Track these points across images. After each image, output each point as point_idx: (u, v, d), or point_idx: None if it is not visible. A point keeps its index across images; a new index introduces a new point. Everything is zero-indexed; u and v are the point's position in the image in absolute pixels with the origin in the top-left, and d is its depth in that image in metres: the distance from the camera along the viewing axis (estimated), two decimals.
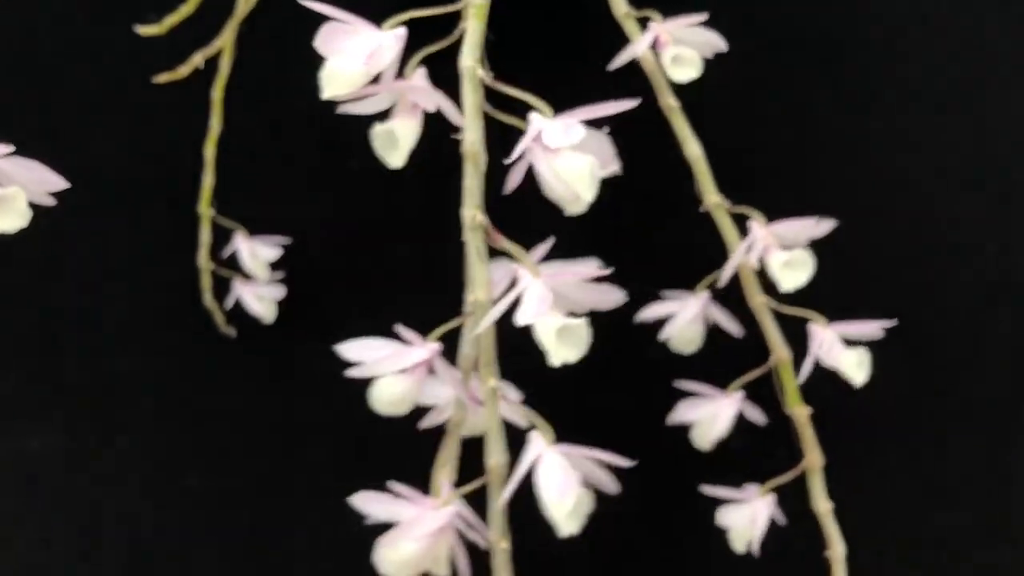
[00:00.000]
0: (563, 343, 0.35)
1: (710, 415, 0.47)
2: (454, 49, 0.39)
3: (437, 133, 0.40)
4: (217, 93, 0.53)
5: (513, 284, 0.37)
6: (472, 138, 0.37)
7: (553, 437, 0.36)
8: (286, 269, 0.56)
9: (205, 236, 0.55)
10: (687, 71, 0.42)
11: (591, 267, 0.36)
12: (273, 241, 0.55)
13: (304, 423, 0.58)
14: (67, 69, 0.55)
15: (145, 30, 0.52)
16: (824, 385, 0.45)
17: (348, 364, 0.40)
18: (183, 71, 0.51)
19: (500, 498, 0.36)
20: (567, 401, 0.44)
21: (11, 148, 0.38)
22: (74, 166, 0.56)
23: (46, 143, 0.47)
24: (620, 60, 0.43)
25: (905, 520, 0.57)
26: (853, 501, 0.46)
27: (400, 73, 0.39)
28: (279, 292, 0.56)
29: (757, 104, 0.55)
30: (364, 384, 0.55)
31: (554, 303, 0.35)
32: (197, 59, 0.52)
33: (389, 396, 0.39)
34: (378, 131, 0.39)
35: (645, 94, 0.40)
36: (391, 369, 0.38)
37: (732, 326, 0.48)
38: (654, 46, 0.43)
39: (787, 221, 0.44)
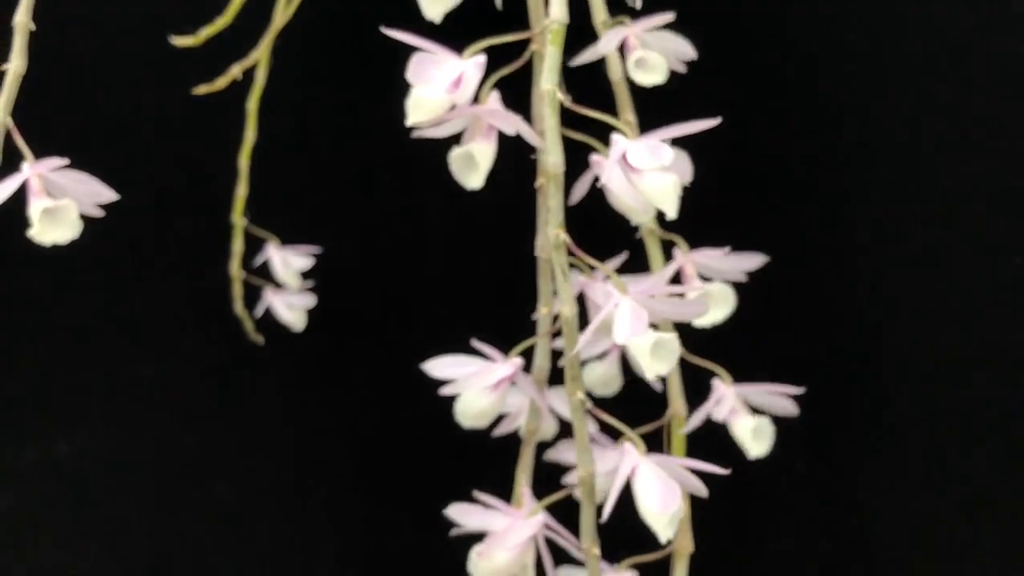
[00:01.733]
0: (657, 358, 0.36)
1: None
2: (520, 71, 0.40)
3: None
4: (252, 104, 0.53)
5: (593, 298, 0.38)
6: (554, 160, 0.37)
7: (645, 447, 0.37)
8: (317, 279, 0.56)
9: (238, 245, 0.54)
10: (652, 76, 0.41)
11: (680, 286, 0.37)
12: (305, 251, 0.55)
13: (333, 431, 0.58)
14: (104, 80, 0.54)
15: (180, 41, 0.51)
16: None
17: (416, 376, 0.40)
18: (221, 83, 0.51)
19: (591, 507, 0.37)
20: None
21: (64, 162, 0.38)
22: (111, 175, 0.56)
23: (83, 153, 0.47)
24: (584, 58, 0.42)
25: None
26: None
27: (475, 97, 0.40)
28: (309, 301, 0.56)
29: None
30: (393, 394, 0.56)
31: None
32: (235, 71, 0.51)
33: (474, 410, 0.40)
34: (456, 154, 0.39)
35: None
36: (480, 386, 0.39)
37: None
38: (622, 49, 0.42)
39: (711, 252, 0.42)
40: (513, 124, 0.38)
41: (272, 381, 0.58)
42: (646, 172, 0.36)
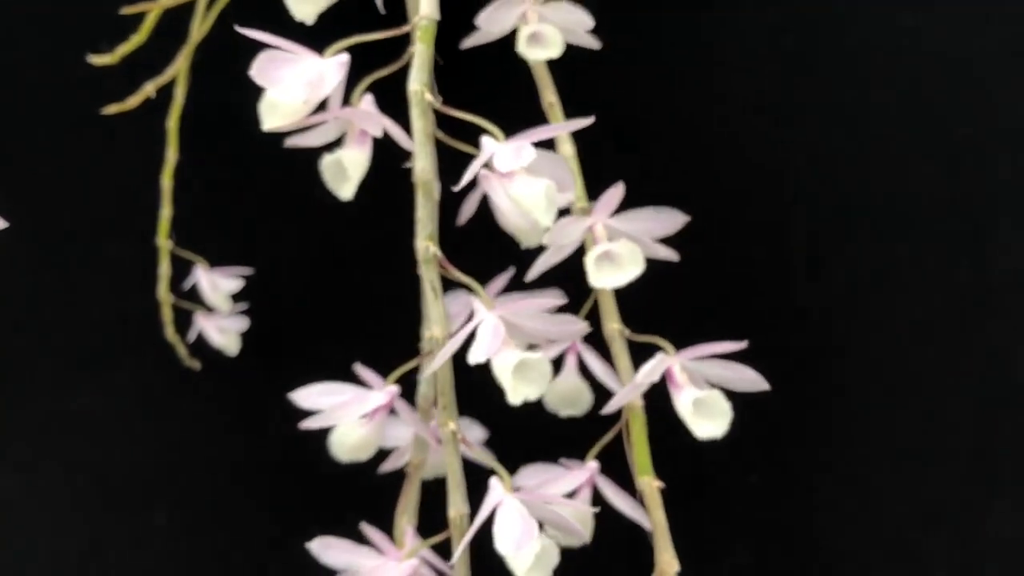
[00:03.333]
0: (522, 380, 0.32)
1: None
2: (405, 76, 0.36)
3: (399, 161, 0.37)
4: (172, 122, 0.50)
5: (469, 318, 0.34)
6: (422, 165, 0.34)
7: (511, 484, 0.32)
8: (249, 301, 0.53)
9: (164, 269, 0.51)
10: (547, 50, 0.36)
11: (549, 298, 0.32)
12: (234, 272, 0.52)
13: (273, 459, 0.55)
14: (20, 98, 0.52)
15: (98, 59, 0.49)
16: None
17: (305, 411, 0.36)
18: (133, 101, 0.48)
19: (461, 552, 0.33)
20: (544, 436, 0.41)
21: None
22: (31, 200, 0.54)
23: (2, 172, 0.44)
24: (473, 40, 0.38)
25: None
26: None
27: (347, 101, 0.36)
28: (242, 324, 0.53)
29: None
30: None
31: (511, 337, 0.32)
32: (148, 88, 0.48)
33: (350, 443, 0.36)
34: (327, 162, 0.36)
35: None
36: (349, 417, 0.35)
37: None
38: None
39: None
40: (378, 125, 0.34)
41: (209, 406, 0.55)
42: (516, 177, 0.32)
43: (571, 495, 0.36)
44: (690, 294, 0.48)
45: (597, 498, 0.36)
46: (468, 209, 0.38)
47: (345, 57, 0.34)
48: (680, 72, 0.52)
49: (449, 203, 0.38)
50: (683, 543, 0.38)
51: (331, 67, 0.34)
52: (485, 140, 0.33)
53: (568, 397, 0.40)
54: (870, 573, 0.52)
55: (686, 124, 0.51)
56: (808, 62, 0.53)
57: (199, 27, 0.49)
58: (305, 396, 0.37)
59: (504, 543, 0.30)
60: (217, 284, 0.52)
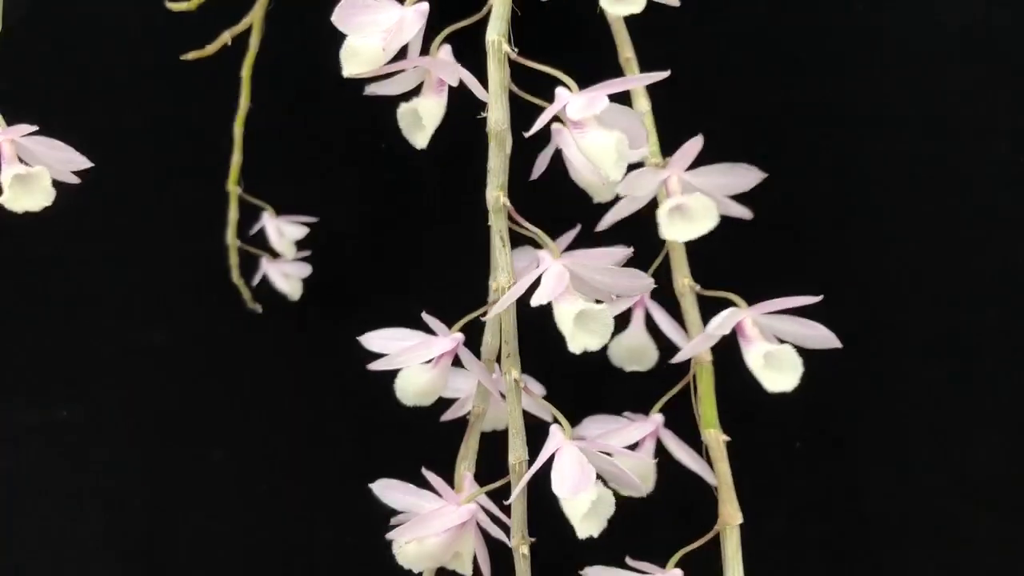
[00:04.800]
0: (583, 329, 0.31)
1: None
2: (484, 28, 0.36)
3: (472, 115, 0.37)
4: (246, 71, 0.50)
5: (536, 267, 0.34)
6: (497, 116, 0.34)
7: (571, 432, 0.32)
8: (313, 248, 0.53)
9: (233, 214, 0.52)
10: (628, 6, 0.34)
11: (616, 251, 0.32)
12: (299, 220, 0.53)
13: (331, 401, 0.55)
14: (98, 46, 0.53)
15: (176, 6, 0.49)
16: None
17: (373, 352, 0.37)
18: (211, 49, 0.48)
19: (518, 493, 0.33)
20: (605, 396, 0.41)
21: (34, 128, 0.36)
22: (106, 142, 0.54)
23: (77, 119, 0.45)
24: None
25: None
26: None
27: (425, 51, 0.36)
28: (305, 270, 0.53)
29: None
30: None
31: (576, 287, 0.32)
32: (224, 37, 0.48)
33: (414, 388, 0.36)
34: (403, 110, 0.36)
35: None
36: (414, 361, 0.35)
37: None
38: None
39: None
40: (455, 74, 0.34)
41: (270, 349, 0.55)
42: (587, 129, 0.32)
43: (634, 447, 0.36)
44: (761, 252, 0.47)
45: (660, 451, 0.36)
46: (541, 163, 0.37)
47: (424, 6, 0.34)
48: (755, 35, 0.51)
49: (522, 160, 0.38)
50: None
51: (411, 15, 0.34)
52: (559, 90, 0.33)
53: (634, 352, 0.40)
54: (911, 545, 0.52)
55: (762, 85, 0.50)
56: (882, 34, 0.52)
57: None
58: (373, 339, 0.37)
59: (561, 487, 0.30)
60: (283, 230, 0.52)
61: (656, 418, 0.37)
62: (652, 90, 0.37)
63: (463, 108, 0.36)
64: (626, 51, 0.38)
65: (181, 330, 0.55)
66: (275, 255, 0.53)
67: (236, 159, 0.51)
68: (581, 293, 0.33)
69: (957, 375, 0.52)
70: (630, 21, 0.37)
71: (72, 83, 0.53)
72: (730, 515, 0.33)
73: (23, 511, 0.54)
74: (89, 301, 0.54)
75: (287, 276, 0.53)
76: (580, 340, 0.31)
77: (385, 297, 0.54)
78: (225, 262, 0.53)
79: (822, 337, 0.34)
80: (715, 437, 0.34)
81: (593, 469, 0.31)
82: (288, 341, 0.55)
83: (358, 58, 0.34)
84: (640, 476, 0.37)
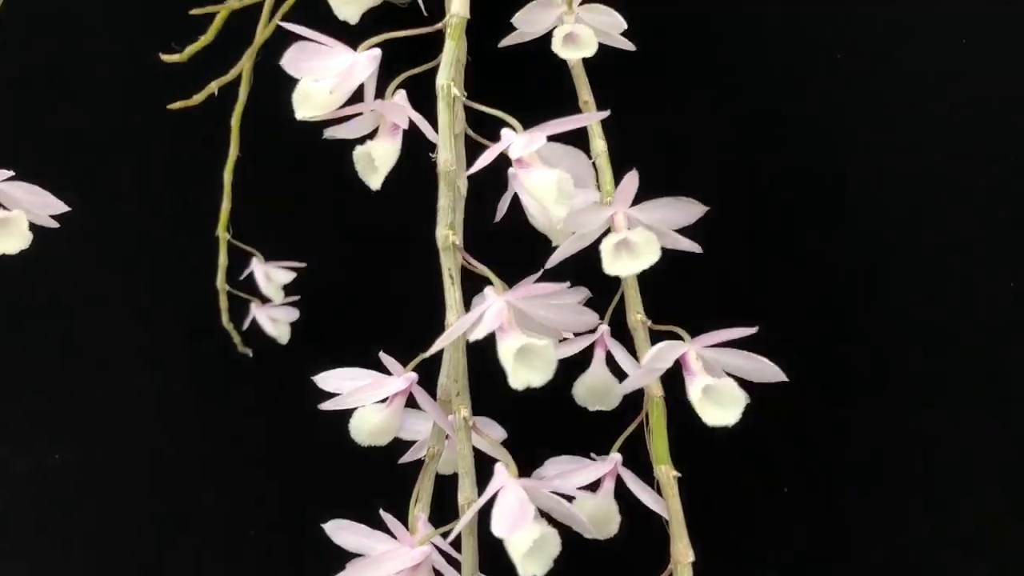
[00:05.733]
0: (525, 365, 0.31)
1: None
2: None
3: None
4: (235, 121, 0.51)
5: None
6: (445, 156, 0.34)
7: (516, 471, 0.32)
8: (302, 292, 0.54)
9: (222, 259, 0.53)
10: (581, 50, 0.36)
11: (556, 285, 0.32)
12: (287, 265, 0.53)
13: (319, 445, 0.55)
14: (92, 96, 0.54)
15: (168, 58, 0.50)
16: None
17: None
18: (197, 98, 0.50)
19: (471, 539, 0.32)
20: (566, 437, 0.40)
21: (10, 173, 0.37)
22: (97, 190, 0.56)
23: (71, 166, 0.46)
24: (510, 40, 0.38)
25: None
26: None
27: (382, 96, 0.36)
28: (293, 315, 0.54)
29: None
30: None
31: (522, 324, 0.32)
32: (212, 86, 0.50)
33: (368, 427, 0.36)
34: (359, 153, 0.36)
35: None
36: (366, 401, 0.35)
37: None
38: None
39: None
40: (404, 117, 0.35)
41: (260, 392, 0.56)
42: (531, 168, 0.32)
43: (594, 486, 0.36)
44: (723, 288, 0.47)
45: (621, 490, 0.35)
46: (502, 207, 0.37)
47: (376, 52, 0.35)
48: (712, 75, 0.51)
49: (487, 207, 0.38)
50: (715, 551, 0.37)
51: (362, 60, 0.34)
52: (504, 131, 0.33)
53: (596, 392, 0.39)
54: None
55: (718, 124, 0.51)
56: (829, 66, 0.52)
57: (263, 30, 0.50)
58: (327, 379, 0.37)
59: (499, 526, 0.30)
60: (271, 275, 0.53)
61: (615, 457, 0.36)
62: (615, 131, 0.37)
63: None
64: (584, 94, 0.38)
65: (171, 374, 0.56)
66: (264, 300, 0.54)
67: (225, 206, 0.52)
68: (529, 330, 0.32)
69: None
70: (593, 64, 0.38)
71: (65, 131, 0.54)
72: (681, 553, 0.32)
73: (15, 555, 0.55)
74: (79, 346, 0.55)
75: (275, 320, 0.54)
76: (522, 376, 0.31)
77: (373, 342, 0.55)
78: (215, 308, 0.53)
79: (768, 371, 0.33)
80: (666, 473, 0.33)
81: (533, 507, 0.30)
82: (276, 385, 0.55)
83: (310, 102, 0.34)
84: (601, 518, 0.36)
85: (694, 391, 0.32)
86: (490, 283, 0.34)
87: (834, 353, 0.52)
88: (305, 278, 0.53)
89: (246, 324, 0.54)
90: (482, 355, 0.35)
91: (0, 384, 0.55)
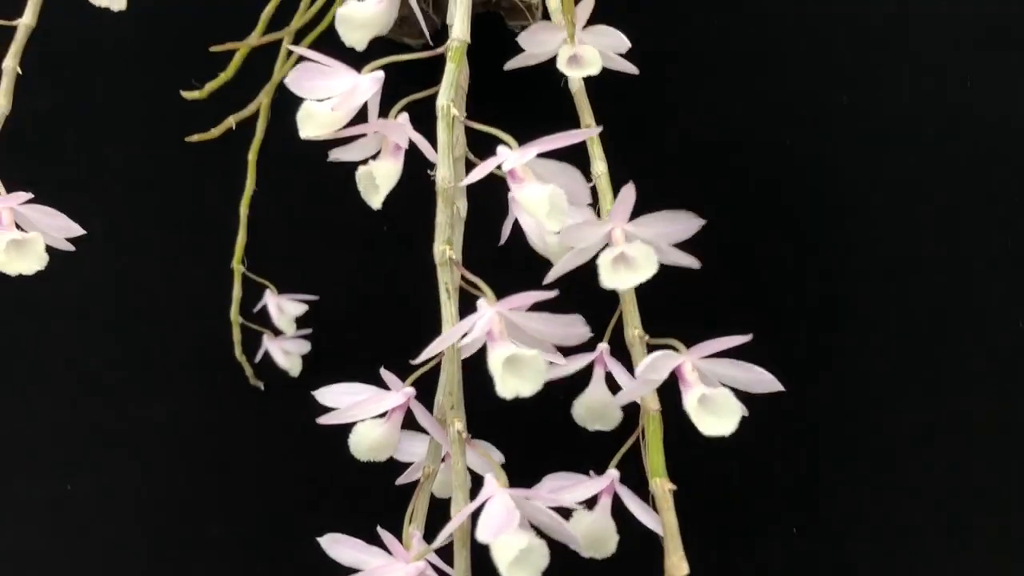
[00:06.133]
0: (514, 374, 0.31)
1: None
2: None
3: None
4: (252, 155, 0.53)
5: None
6: (443, 174, 0.34)
7: (506, 481, 0.32)
8: (313, 326, 0.54)
9: (237, 291, 0.54)
10: (586, 69, 0.37)
11: (545, 293, 0.32)
12: (300, 298, 0.54)
13: (329, 479, 0.55)
14: (114, 131, 0.56)
15: (189, 95, 0.52)
16: None
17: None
18: (215, 132, 0.51)
19: (465, 554, 0.32)
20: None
21: (30, 195, 0.38)
22: (114, 221, 0.57)
23: (92, 198, 0.47)
24: (515, 63, 0.38)
25: None
26: None
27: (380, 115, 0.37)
28: (304, 347, 0.54)
29: None
30: None
31: (513, 336, 0.32)
32: (229, 120, 0.51)
33: (367, 442, 0.36)
34: (361, 173, 0.37)
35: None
36: (364, 415, 0.35)
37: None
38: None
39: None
40: (404, 136, 0.35)
41: (271, 425, 0.56)
42: (525, 183, 0.33)
43: (591, 503, 0.35)
44: (726, 304, 0.47)
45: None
46: (506, 231, 0.38)
47: (379, 74, 0.36)
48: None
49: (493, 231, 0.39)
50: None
51: (365, 81, 0.35)
52: (499, 148, 0.34)
53: (596, 411, 0.39)
54: None
55: (721, 143, 0.51)
56: (813, 65, 0.52)
57: (281, 67, 0.52)
58: (327, 394, 0.37)
59: (483, 530, 0.30)
60: (283, 307, 0.54)
61: (612, 473, 0.36)
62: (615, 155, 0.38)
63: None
64: (586, 117, 0.39)
65: (184, 405, 0.56)
66: (277, 332, 0.54)
67: (241, 238, 0.53)
68: (522, 341, 0.33)
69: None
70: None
71: (88, 163, 0.56)
72: (675, 566, 0.31)
73: None
74: (93, 375, 0.56)
75: (287, 353, 0.54)
76: (511, 384, 0.31)
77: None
78: (228, 339, 0.54)
79: (765, 381, 0.33)
80: (661, 486, 0.32)
81: (518, 513, 0.30)
82: (288, 417, 0.56)
83: (313, 121, 0.35)
84: (598, 536, 0.36)
85: (690, 401, 0.32)
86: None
87: (833, 366, 0.51)
88: (317, 309, 0.54)
89: (258, 356, 0.55)
90: (485, 380, 0.35)
91: (13, 413, 0.56)
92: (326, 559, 0.54)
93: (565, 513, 0.34)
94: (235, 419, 0.56)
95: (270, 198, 0.53)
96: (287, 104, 0.52)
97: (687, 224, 0.34)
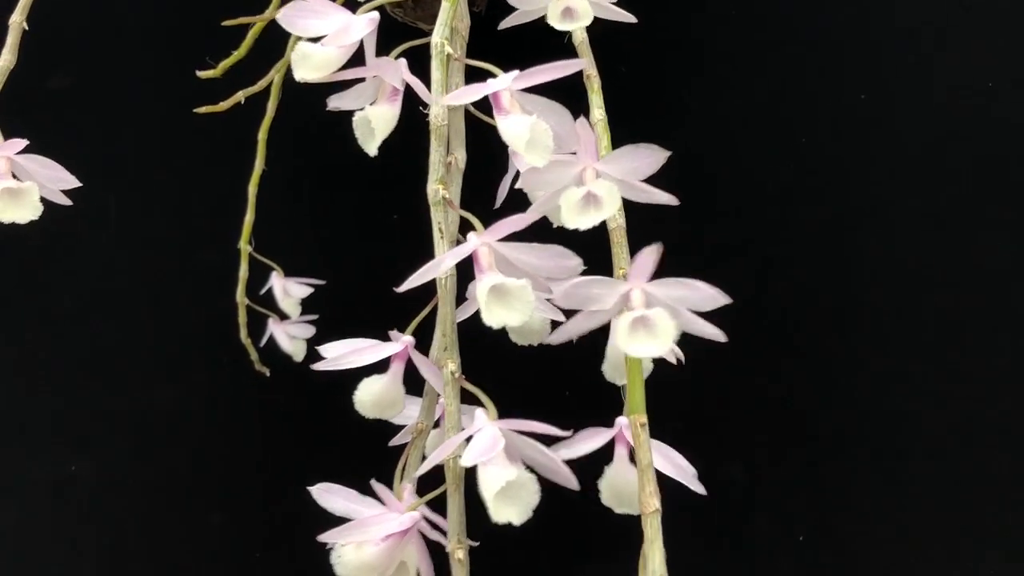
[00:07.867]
0: (501, 304, 0.30)
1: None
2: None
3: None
4: (262, 135, 0.52)
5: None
6: (437, 111, 0.34)
7: (496, 414, 0.31)
8: (320, 311, 0.54)
9: (243, 271, 0.53)
10: (578, 22, 0.35)
11: (529, 216, 0.31)
12: (305, 281, 0.54)
13: (332, 466, 0.54)
14: (125, 109, 0.56)
15: (204, 73, 0.52)
16: None
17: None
18: (224, 105, 0.51)
19: (458, 499, 0.31)
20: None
21: (26, 143, 0.38)
22: (121, 202, 0.57)
23: (102, 176, 0.47)
24: (511, 20, 0.37)
25: None
26: None
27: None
28: (309, 331, 0.54)
29: None
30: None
31: (503, 269, 0.31)
32: (239, 96, 0.51)
33: (371, 398, 0.35)
34: (358, 119, 0.36)
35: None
36: (360, 362, 0.35)
37: None
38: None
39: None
40: (398, 75, 0.35)
41: (275, 410, 0.55)
42: (510, 114, 0.32)
43: (608, 456, 0.34)
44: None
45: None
46: (503, 191, 0.37)
47: (374, 15, 0.35)
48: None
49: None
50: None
51: (359, 21, 0.35)
52: (488, 80, 0.33)
53: (621, 492, 0.34)
54: None
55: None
56: (802, 71, 0.51)
57: (293, 45, 0.52)
58: (330, 348, 0.36)
59: (468, 455, 0.28)
60: (289, 290, 0.53)
61: (620, 421, 0.34)
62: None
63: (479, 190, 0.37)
64: (589, 69, 0.38)
65: (188, 388, 0.56)
66: (283, 316, 0.54)
67: (249, 218, 0.53)
68: (512, 275, 0.32)
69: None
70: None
71: (101, 141, 0.56)
72: (646, 502, 0.30)
73: (28, 563, 0.54)
74: (98, 358, 0.56)
75: (292, 337, 0.53)
76: (497, 314, 0.30)
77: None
78: (233, 322, 0.54)
79: (707, 296, 0.31)
80: (635, 421, 0.31)
81: (503, 440, 0.29)
82: (292, 402, 0.55)
83: (308, 62, 0.35)
84: (622, 489, 0.33)
85: (621, 324, 0.30)
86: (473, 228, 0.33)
87: (833, 368, 0.50)
88: (323, 293, 0.54)
89: (263, 340, 0.54)
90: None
91: (18, 394, 0.56)
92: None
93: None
94: (239, 403, 0.55)
95: (278, 178, 0.53)
96: (298, 85, 0.52)
97: (653, 157, 0.33)
